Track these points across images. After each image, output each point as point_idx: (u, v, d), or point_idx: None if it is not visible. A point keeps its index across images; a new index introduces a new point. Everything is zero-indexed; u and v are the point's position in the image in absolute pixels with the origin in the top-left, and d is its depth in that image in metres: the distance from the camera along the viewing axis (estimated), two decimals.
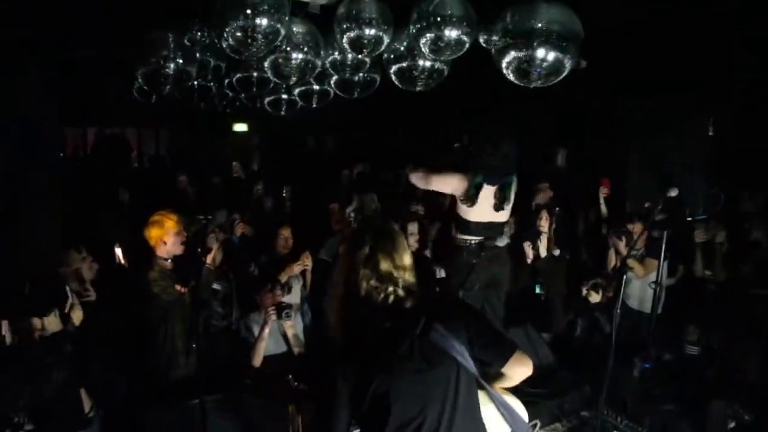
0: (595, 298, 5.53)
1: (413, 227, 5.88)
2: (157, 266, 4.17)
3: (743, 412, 4.28)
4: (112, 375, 4.24)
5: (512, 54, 4.07)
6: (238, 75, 5.78)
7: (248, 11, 3.88)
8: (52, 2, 4.58)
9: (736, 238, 5.85)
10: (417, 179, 4.68)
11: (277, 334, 4.71)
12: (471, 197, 4.47)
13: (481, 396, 2.25)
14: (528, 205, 6.84)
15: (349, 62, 5.14)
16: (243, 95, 6.82)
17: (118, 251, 5.56)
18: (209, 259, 4.41)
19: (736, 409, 4.28)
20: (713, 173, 6.88)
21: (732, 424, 4.27)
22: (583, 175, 8.09)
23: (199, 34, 4.94)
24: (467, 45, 4.32)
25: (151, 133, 13.65)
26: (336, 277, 2.27)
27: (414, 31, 4.28)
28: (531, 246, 5.97)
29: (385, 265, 2.15)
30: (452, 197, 4.79)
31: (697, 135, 7.13)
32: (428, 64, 4.93)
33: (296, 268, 5.22)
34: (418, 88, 5.12)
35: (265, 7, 3.90)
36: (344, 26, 4.32)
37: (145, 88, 5.56)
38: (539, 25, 3.89)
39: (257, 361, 4.49)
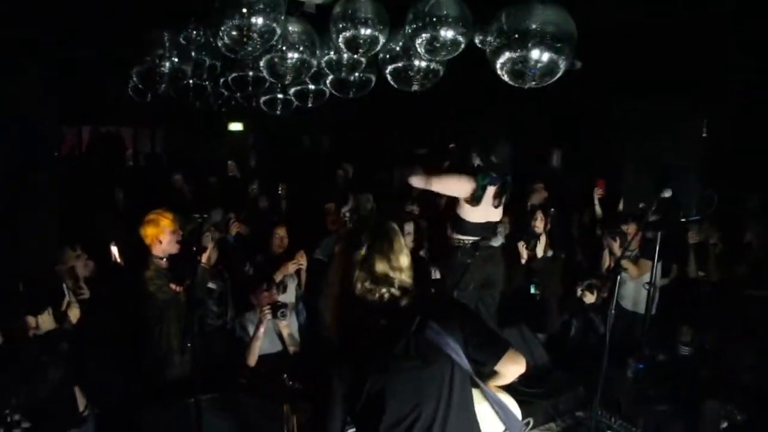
0: (589, 298, 5.54)
1: (409, 227, 5.89)
2: (153, 265, 4.17)
3: (736, 412, 4.29)
4: (108, 374, 4.24)
5: (507, 55, 4.08)
6: (234, 74, 5.78)
7: (244, 10, 3.88)
8: (51, 2, 4.57)
9: (729, 239, 5.87)
10: (419, 181, 4.67)
11: (272, 333, 4.71)
12: (478, 198, 4.51)
13: (476, 394, 2.27)
14: (523, 205, 6.86)
15: (344, 62, 5.15)
16: (238, 94, 6.82)
17: (114, 250, 5.55)
18: (204, 258, 4.41)
19: (729, 410, 4.29)
20: (708, 174, 6.90)
21: (725, 424, 4.28)
22: (577, 175, 8.12)
23: (194, 32, 4.94)
24: (463, 45, 4.33)
25: (147, 131, 13.62)
26: (331, 276, 2.28)
27: (410, 31, 4.29)
28: (526, 246, 5.98)
29: (381, 266, 2.15)
30: (449, 197, 4.79)
31: (691, 136, 7.13)
32: (424, 64, 4.95)
33: (291, 267, 5.22)
34: (413, 89, 5.13)
35: (261, 6, 3.90)
36: (340, 26, 4.33)
37: (141, 86, 5.56)
38: (534, 26, 3.90)
39: (252, 360, 4.49)
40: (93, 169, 10.59)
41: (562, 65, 4.06)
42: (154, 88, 5.33)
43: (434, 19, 4.16)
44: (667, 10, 5.24)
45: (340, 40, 4.40)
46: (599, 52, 5.42)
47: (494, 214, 4.67)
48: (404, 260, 2.21)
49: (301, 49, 4.71)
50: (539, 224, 6.09)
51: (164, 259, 4.23)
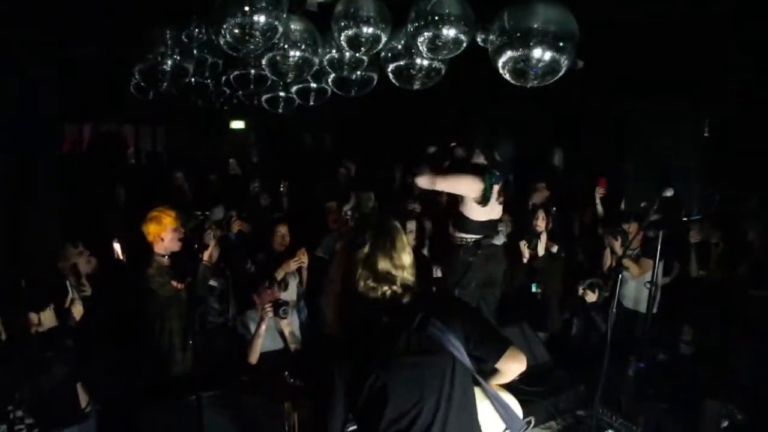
0: (591, 297, 5.55)
1: (411, 225, 5.90)
2: (155, 262, 4.18)
3: (737, 411, 4.30)
4: (109, 370, 4.25)
5: (509, 54, 4.08)
6: (236, 72, 5.79)
7: (246, 8, 3.89)
8: (52, 0, 4.58)
9: (730, 239, 5.87)
10: (426, 182, 4.65)
11: (273, 331, 4.72)
12: (488, 198, 4.53)
13: (477, 392, 2.27)
14: (524, 204, 6.86)
15: (346, 60, 5.15)
16: (240, 92, 6.84)
17: (117, 247, 5.56)
18: (206, 255, 4.41)
19: (729, 409, 4.30)
20: (708, 174, 6.90)
21: (725, 423, 4.29)
22: (579, 174, 8.11)
23: (196, 30, 4.94)
24: (465, 44, 4.33)
25: (148, 129, 13.62)
26: (333, 274, 2.28)
27: (412, 29, 4.29)
28: (527, 246, 5.99)
29: (383, 264, 2.16)
30: (452, 195, 4.79)
31: (692, 136, 7.14)
32: (426, 62, 4.95)
33: (292, 265, 5.22)
34: (415, 87, 5.13)
35: (263, 4, 3.91)
36: (342, 24, 4.33)
37: (143, 84, 5.56)
38: (536, 24, 3.90)
39: (254, 357, 4.50)
40: (94, 166, 10.58)
41: (564, 64, 4.06)
42: (156, 85, 5.33)
43: (436, 18, 4.17)
44: (668, 10, 5.24)
45: (342, 38, 4.41)
46: (600, 52, 5.43)
47: (496, 212, 4.70)
48: (407, 258, 2.22)
49: (303, 47, 4.72)
50: (541, 223, 6.09)
51: (166, 257, 4.24)
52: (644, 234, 5.42)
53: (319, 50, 4.87)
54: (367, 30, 4.33)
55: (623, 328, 5.13)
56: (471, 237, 4.63)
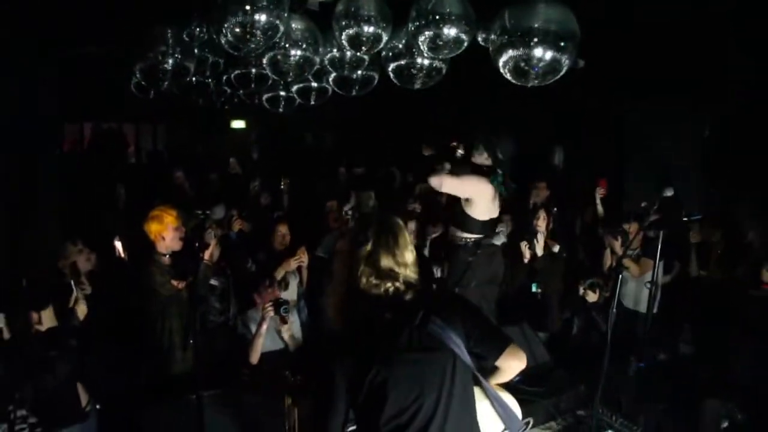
0: (592, 297, 5.55)
1: (411, 225, 5.89)
2: (156, 261, 4.18)
3: (737, 411, 4.30)
4: (109, 369, 4.25)
5: (510, 53, 4.08)
6: (237, 71, 5.79)
7: (247, 7, 3.89)
8: (51, 1, 4.58)
9: (730, 239, 5.87)
10: (442, 183, 4.59)
11: (273, 331, 4.72)
12: (504, 196, 4.56)
13: (476, 392, 2.27)
14: (525, 204, 6.86)
15: (347, 59, 5.15)
16: (241, 92, 6.84)
17: (118, 245, 5.57)
18: (207, 254, 4.42)
19: (729, 409, 4.30)
20: (708, 174, 6.91)
21: (725, 424, 4.29)
22: (579, 173, 8.12)
23: (197, 29, 4.95)
24: (466, 43, 4.33)
25: (149, 128, 13.63)
26: (336, 272, 2.29)
27: (413, 28, 4.29)
28: (528, 245, 5.99)
29: (386, 262, 2.17)
30: (453, 195, 4.78)
31: (692, 136, 7.16)
32: (426, 62, 4.95)
33: (292, 263, 5.22)
34: (416, 86, 5.13)
35: (264, 3, 3.90)
36: (343, 23, 4.33)
37: (144, 83, 5.56)
38: (537, 24, 3.90)
39: (255, 357, 4.49)
40: (95, 165, 10.59)
41: (565, 64, 4.06)
42: (157, 84, 5.33)
43: (437, 17, 4.16)
44: (668, 10, 5.24)
45: (343, 37, 4.41)
46: (601, 52, 5.43)
47: (495, 211, 4.70)
48: (409, 256, 2.23)
49: (304, 46, 4.72)
50: (541, 223, 6.09)
51: (167, 256, 4.24)
52: (644, 234, 5.42)
53: (320, 49, 4.87)
54: (368, 29, 4.32)
55: (623, 328, 5.14)
56: (473, 236, 4.63)
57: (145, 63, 5.08)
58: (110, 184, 8.17)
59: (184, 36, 4.96)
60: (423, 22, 4.20)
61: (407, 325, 2.11)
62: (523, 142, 5.24)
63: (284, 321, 4.60)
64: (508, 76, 4.23)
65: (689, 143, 7.11)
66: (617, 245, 5.78)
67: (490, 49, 4.27)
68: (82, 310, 3.59)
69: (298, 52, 4.72)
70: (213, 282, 5.08)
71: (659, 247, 4.58)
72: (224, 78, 6.13)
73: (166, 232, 4.18)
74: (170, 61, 5.02)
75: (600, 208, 6.93)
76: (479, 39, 4.53)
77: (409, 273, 2.21)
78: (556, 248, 6.14)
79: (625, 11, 5.32)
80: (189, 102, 7.37)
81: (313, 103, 6.62)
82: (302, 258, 5.31)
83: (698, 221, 5.54)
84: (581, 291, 5.59)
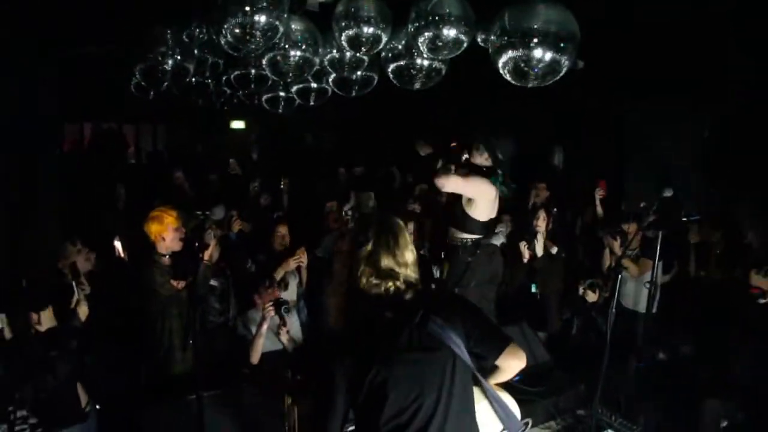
0: (592, 297, 5.56)
1: (410, 226, 5.89)
2: (156, 262, 4.18)
3: (737, 411, 4.30)
4: (110, 369, 4.25)
5: (509, 54, 4.08)
6: (236, 72, 5.79)
7: (247, 8, 3.89)
8: (51, 1, 4.58)
9: (730, 239, 5.88)
10: (448, 182, 4.57)
11: (274, 331, 4.72)
12: (506, 196, 4.56)
13: (476, 392, 2.28)
14: (525, 204, 6.87)
15: (347, 60, 5.15)
16: (241, 92, 6.84)
17: (118, 245, 5.57)
18: (206, 255, 4.41)
19: (729, 409, 4.30)
20: (709, 174, 6.91)
21: (725, 423, 4.29)
22: (579, 174, 8.12)
23: (197, 30, 4.95)
24: (465, 44, 4.33)
25: (148, 128, 13.64)
26: (337, 272, 2.31)
27: (412, 29, 4.29)
28: (527, 245, 5.99)
29: (386, 261, 2.18)
30: (452, 195, 4.78)
31: (692, 136, 7.16)
32: (426, 63, 4.95)
33: (292, 263, 5.22)
34: (415, 87, 5.13)
35: (264, 4, 3.90)
36: (343, 24, 4.33)
37: (144, 84, 5.56)
38: (537, 25, 3.90)
39: (255, 357, 4.49)
40: (95, 165, 10.59)
41: (565, 65, 4.06)
42: (157, 85, 5.33)
43: (437, 18, 4.17)
44: (668, 10, 5.24)
45: (343, 38, 4.41)
46: (600, 52, 5.43)
47: (495, 211, 4.70)
48: (409, 256, 2.25)
49: (304, 47, 4.72)
50: (541, 223, 6.10)
51: (167, 256, 4.24)
52: (644, 234, 5.42)
53: (320, 50, 4.87)
54: (368, 30, 4.33)
55: (623, 328, 5.14)
56: (472, 237, 4.63)
57: (145, 63, 5.09)
58: (110, 184, 8.17)
59: (184, 37, 4.97)
60: (422, 23, 4.21)
61: (407, 324, 2.12)
62: (523, 142, 5.24)
63: (283, 324, 4.61)
64: (507, 77, 4.23)
65: (689, 143, 7.11)
66: (616, 245, 5.78)
67: (490, 50, 4.27)
68: (83, 311, 3.59)
69: (298, 53, 4.73)
70: (213, 282, 5.08)
71: (658, 247, 4.58)
72: (224, 78, 6.13)
73: (166, 233, 4.18)
74: (170, 61, 5.03)
75: (599, 209, 6.94)
76: (479, 40, 4.53)
77: (410, 273, 2.22)
78: (554, 250, 6.14)
79: (625, 11, 5.32)
80: (189, 102, 7.37)
81: (312, 103, 6.62)
82: (302, 258, 5.31)
83: (697, 221, 5.54)
84: (581, 291, 5.60)
